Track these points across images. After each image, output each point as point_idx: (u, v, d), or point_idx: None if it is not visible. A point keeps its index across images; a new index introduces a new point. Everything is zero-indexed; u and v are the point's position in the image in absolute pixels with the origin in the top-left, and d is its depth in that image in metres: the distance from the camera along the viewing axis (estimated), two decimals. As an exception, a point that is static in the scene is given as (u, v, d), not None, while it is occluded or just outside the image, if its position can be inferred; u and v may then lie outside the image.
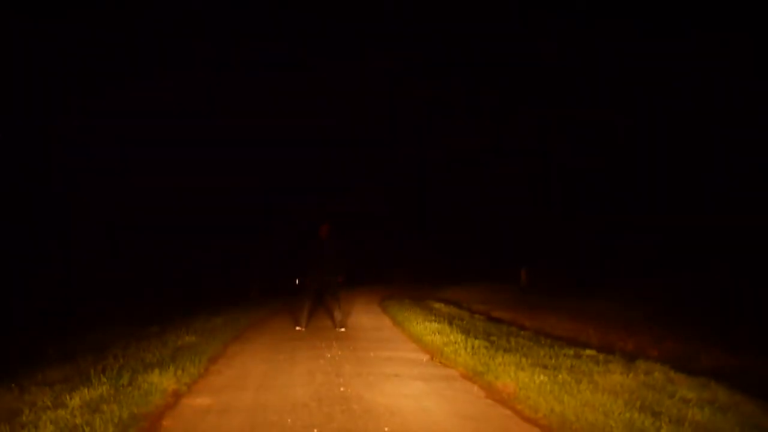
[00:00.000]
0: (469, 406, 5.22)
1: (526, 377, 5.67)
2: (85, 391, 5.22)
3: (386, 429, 4.47)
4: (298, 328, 10.29)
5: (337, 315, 10.40)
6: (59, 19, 25.45)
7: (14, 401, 5.22)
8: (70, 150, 25.67)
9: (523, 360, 6.49)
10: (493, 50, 31.17)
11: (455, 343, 8.01)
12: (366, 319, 12.17)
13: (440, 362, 7.37)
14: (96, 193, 26.18)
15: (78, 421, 4.38)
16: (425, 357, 7.80)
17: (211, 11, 35.86)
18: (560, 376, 5.67)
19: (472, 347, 7.56)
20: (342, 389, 5.84)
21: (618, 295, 14.56)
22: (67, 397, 5.03)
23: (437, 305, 14.25)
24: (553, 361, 6.55)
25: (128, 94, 26.91)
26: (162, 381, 5.81)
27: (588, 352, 7.46)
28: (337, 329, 10.23)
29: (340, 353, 7.99)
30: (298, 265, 10.64)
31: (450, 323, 10.25)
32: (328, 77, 33.66)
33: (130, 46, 29.33)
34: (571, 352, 7.33)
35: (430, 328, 9.58)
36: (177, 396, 5.68)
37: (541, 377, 5.61)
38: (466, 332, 8.89)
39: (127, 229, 26.26)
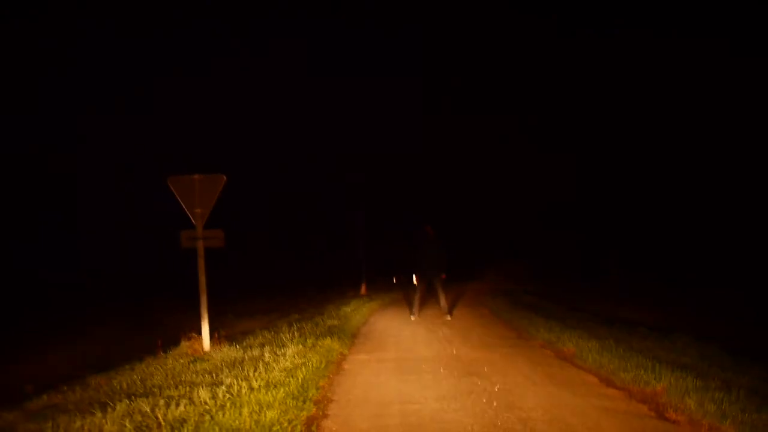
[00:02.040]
0: (541, 359, 7.79)
1: (582, 343, 8.14)
2: (291, 348, 8.16)
3: (485, 368, 7.10)
4: (412, 317, 12.97)
5: (444, 305, 13.04)
6: (75, 21, 28.43)
7: (245, 354, 8.21)
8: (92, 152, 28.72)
9: (585, 334, 8.94)
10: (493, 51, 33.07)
11: (537, 324, 10.52)
12: (467, 309, 14.78)
13: (525, 338, 9.91)
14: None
15: (298, 362, 7.28)
16: (514, 334, 10.37)
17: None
18: (608, 342, 8.09)
19: (550, 327, 10.04)
20: (454, 351, 8.52)
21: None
22: (282, 351, 7.98)
23: (526, 298, 16.67)
24: (606, 334, 8.96)
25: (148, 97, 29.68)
26: (333, 344, 8.71)
27: (641, 329, 9.77)
28: (444, 317, 12.86)
29: (449, 332, 10.67)
30: (402, 263, 13.31)
31: (535, 312, 12.70)
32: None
33: (147, 50, 32.56)
34: (625, 328, 9.69)
35: (518, 315, 12.14)
36: (343, 354, 8.54)
37: (594, 343, 8.07)
38: (546, 317, 11.34)
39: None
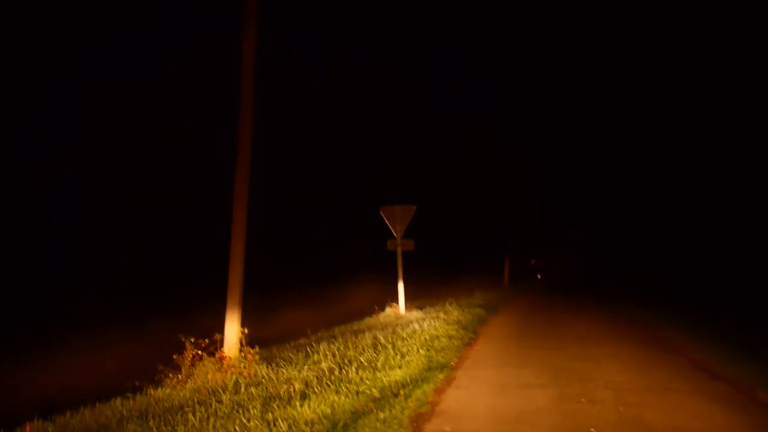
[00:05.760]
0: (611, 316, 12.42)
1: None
2: (456, 313, 13.28)
3: (577, 330, 11.82)
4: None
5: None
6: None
7: (426, 315, 13.42)
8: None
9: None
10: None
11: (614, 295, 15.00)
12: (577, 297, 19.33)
13: (604, 305, 14.42)
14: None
15: (462, 318, 12.38)
16: (601, 306, 14.89)
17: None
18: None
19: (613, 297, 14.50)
20: (559, 318, 13.28)
21: None
22: (450, 314, 13.12)
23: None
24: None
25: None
26: (483, 312, 13.77)
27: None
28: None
29: (558, 312, 15.39)
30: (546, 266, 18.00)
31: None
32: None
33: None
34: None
35: (607, 298, 16.59)
36: (489, 318, 13.55)
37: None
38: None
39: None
